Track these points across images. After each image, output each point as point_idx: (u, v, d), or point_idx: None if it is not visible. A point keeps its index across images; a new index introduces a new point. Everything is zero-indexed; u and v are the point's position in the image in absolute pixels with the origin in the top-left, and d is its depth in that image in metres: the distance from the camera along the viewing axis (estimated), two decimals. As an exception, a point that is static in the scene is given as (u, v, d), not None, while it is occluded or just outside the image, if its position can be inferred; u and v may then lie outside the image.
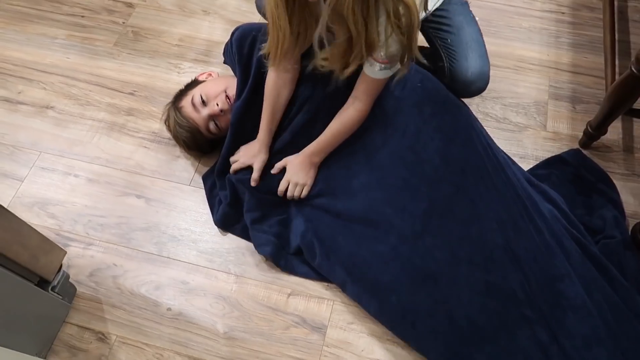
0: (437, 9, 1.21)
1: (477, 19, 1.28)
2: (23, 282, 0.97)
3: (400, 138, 1.18)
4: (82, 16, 1.66)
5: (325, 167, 1.21)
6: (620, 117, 1.34)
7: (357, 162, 1.20)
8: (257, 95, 1.21)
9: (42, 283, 1.04)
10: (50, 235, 1.20)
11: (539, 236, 1.12)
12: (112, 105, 1.47)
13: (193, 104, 1.26)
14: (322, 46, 1.03)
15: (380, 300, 1.11)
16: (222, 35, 1.59)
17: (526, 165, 1.32)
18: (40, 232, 1.03)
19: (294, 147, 1.22)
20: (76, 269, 1.21)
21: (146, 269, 1.21)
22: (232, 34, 1.29)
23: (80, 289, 1.18)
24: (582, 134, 1.35)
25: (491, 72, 1.25)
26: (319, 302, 1.16)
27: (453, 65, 1.22)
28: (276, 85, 1.18)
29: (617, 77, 1.24)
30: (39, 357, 1.08)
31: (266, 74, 1.18)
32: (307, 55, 1.15)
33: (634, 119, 1.40)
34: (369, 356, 1.10)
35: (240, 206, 1.25)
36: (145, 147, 1.39)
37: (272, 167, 1.23)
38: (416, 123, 1.19)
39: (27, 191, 1.32)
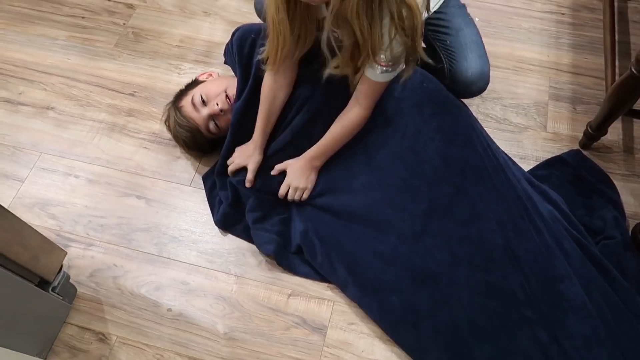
0: (435, 12, 1.22)
1: (476, 19, 1.28)
2: (23, 283, 0.97)
3: (401, 138, 1.18)
4: (83, 17, 1.66)
5: (325, 167, 1.22)
6: (620, 117, 1.34)
7: (357, 162, 1.20)
8: (258, 95, 1.21)
9: (43, 283, 1.04)
10: (51, 236, 1.21)
11: (539, 237, 1.12)
12: (113, 106, 1.47)
13: (193, 104, 1.26)
14: (331, 51, 1.03)
15: (381, 300, 1.11)
16: (222, 36, 1.59)
17: (526, 166, 1.32)
18: (41, 232, 1.03)
19: (294, 147, 1.22)
20: (76, 270, 1.21)
21: (146, 270, 1.21)
22: (233, 34, 1.29)
23: (80, 290, 1.18)
24: (582, 134, 1.35)
25: (491, 73, 1.25)
26: (319, 302, 1.16)
27: (453, 66, 1.22)
28: (273, 88, 1.18)
29: (617, 78, 1.24)
30: (40, 357, 1.08)
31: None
32: (309, 58, 1.15)
33: (634, 120, 1.40)
34: (369, 357, 1.10)
35: (241, 207, 1.25)
36: (145, 147, 1.39)
37: (272, 167, 1.23)
38: (416, 124, 1.19)
39: (27, 192, 1.33)
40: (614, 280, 1.10)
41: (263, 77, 1.19)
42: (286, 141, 1.22)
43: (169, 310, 1.16)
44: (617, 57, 1.39)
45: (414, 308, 1.09)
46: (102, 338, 1.13)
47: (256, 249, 1.22)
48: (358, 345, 1.11)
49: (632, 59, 1.10)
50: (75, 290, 1.17)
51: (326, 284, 1.18)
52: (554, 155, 1.34)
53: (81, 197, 1.31)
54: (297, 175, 1.19)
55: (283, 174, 1.22)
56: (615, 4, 1.50)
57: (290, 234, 1.21)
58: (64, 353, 1.11)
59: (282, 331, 1.13)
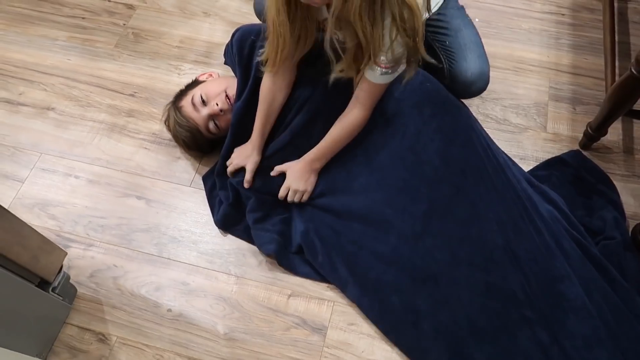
0: (434, 13, 1.22)
1: (476, 20, 1.28)
2: (23, 283, 0.97)
3: (401, 139, 1.18)
4: (83, 18, 1.67)
5: (325, 168, 1.22)
6: (620, 118, 1.34)
7: (357, 163, 1.20)
8: (258, 96, 1.21)
9: (43, 284, 1.04)
10: (51, 237, 1.20)
11: (539, 237, 1.12)
12: (113, 107, 1.47)
13: (193, 104, 1.26)
14: (335, 53, 1.03)
15: (381, 300, 1.11)
16: (222, 37, 1.59)
17: (526, 167, 1.32)
18: (41, 233, 1.03)
19: (293, 147, 1.22)
20: (77, 270, 1.21)
21: (146, 270, 1.21)
22: (233, 35, 1.29)
23: (80, 290, 1.18)
24: (582, 135, 1.35)
25: (491, 74, 1.25)
26: (319, 303, 1.16)
27: (452, 66, 1.23)
28: (271, 89, 1.18)
29: (617, 78, 1.24)
30: (40, 358, 1.08)
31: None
32: (309, 59, 1.15)
33: (634, 120, 1.40)
34: (369, 357, 1.10)
35: (242, 208, 1.25)
36: (145, 148, 1.39)
37: (272, 168, 1.23)
38: (416, 124, 1.19)
39: (27, 192, 1.33)
40: (613, 280, 1.10)
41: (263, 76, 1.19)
42: (285, 141, 1.22)
43: (169, 310, 1.16)
44: (617, 58, 1.39)
45: (414, 308, 1.09)
46: (102, 338, 1.13)
47: (256, 249, 1.22)
48: (358, 345, 1.11)
49: (632, 60, 1.10)
50: (75, 290, 1.17)
51: (326, 285, 1.18)
52: (553, 155, 1.34)
53: (81, 198, 1.32)
54: (297, 178, 1.19)
55: (283, 174, 1.22)
56: (615, 4, 1.51)
57: (291, 233, 1.21)
58: (64, 353, 1.11)
59: (282, 332, 1.13)
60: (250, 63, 1.23)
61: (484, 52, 1.24)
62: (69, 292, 1.14)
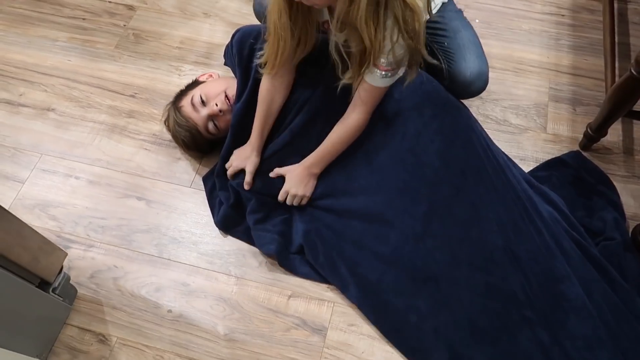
0: (432, 16, 1.22)
1: (476, 21, 1.29)
2: (24, 284, 0.97)
3: (401, 140, 1.18)
4: (83, 19, 1.67)
5: (325, 169, 1.21)
6: (620, 119, 1.34)
7: (357, 164, 1.20)
8: (257, 97, 1.21)
9: (43, 285, 1.04)
10: (51, 237, 1.20)
11: (539, 237, 1.12)
12: (113, 108, 1.47)
13: (192, 104, 1.26)
14: (340, 57, 1.03)
15: (382, 301, 1.11)
16: (222, 37, 1.59)
17: (526, 167, 1.32)
18: (41, 234, 1.03)
19: (293, 147, 1.22)
20: (77, 271, 1.21)
21: (147, 271, 1.21)
22: (233, 36, 1.29)
23: (81, 291, 1.18)
24: (582, 136, 1.35)
25: (491, 75, 1.25)
26: (319, 304, 1.16)
27: (451, 66, 1.23)
28: (270, 90, 1.18)
29: (617, 79, 1.24)
30: (40, 358, 1.08)
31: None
32: (309, 60, 1.15)
33: (634, 121, 1.40)
34: (369, 358, 1.10)
35: (242, 209, 1.25)
36: (146, 149, 1.39)
37: (272, 169, 1.23)
38: (416, 125, 1.19)
39: (28, 193, 1.33)
40: (613, 281, 1.10)
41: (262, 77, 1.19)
42: (285, 142, 1.22)
43: (169, 311, 1.16)
44: (617, 59, 1.39)
45: (415, 309, 1.10)
46: (103, 339, 1.13)
47: (256, 250, 1.22)
48: (358, 346, 1.11)
49: (632, 60, 1.10)
50: (76, 291, 1.18)
51: (326, 285, 1.18)
52: (553, 156, 1.34)
53: (82, 199, 1.32)
54: (296, 183, 1.19)
55: (283, 176, 1.22)
56: (615, 5, 1.51)
57: (291, 234, 1.21)
58: (64, 354, 1.11)
59: (282, 332, 1.13)
60: (250, 64, 1.23)
61: (483, 52, 1.24)
62: (69, 292, 1.14)
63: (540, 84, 1.49)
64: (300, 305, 1.16)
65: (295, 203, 1.21)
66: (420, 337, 1.08)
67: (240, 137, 1.26)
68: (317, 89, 1.20)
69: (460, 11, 1.28)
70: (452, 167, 1.17)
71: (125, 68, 1.55)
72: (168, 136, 1.37)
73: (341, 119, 1.16)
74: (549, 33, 1.59)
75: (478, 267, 1.10)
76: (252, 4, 1.42)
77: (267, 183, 1.23)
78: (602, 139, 1.33)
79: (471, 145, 1.20)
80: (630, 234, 1.19)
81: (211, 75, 1.37)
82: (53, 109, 1.47)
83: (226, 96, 1.26)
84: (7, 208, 0.92)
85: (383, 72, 1.03)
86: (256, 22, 1.39)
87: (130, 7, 1.69)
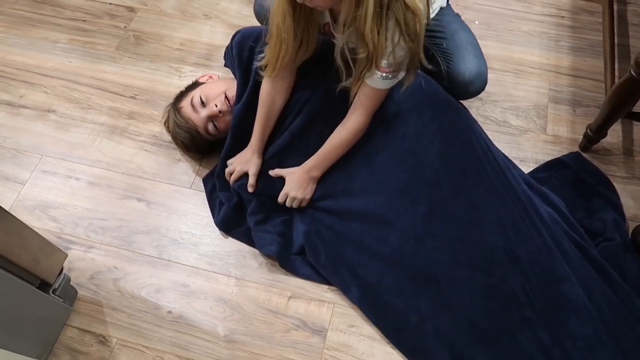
0: (430, 19, 1.23)
1: (476, 22, 1.29)
2: (24, 285, 0.97)
3: (400, 141, 1.19)
4: (84, 20, 1.67)
5: (326, 171, 1.21)
6: (620, 120, 1.34)
7: (357, 165, 1.20)
8: (257, 98, 1.22)
9: (43, 286, 1.04)
10: (52, 238, 1.21)
11: (539, 238, 1.12)
12: (114, 109, 1.47)
13: (192, 105, 1.26)
14: (346, 64, 1.03)
15: (383, 302, 1.12)
16: (223, 39, 1.59)
17: (526, 169, 1.32)
18: (42, 235, 1.03)
19: (293, 149, 1.22)
20: (77, 272, 1.21)
21: (147, 272, 1.21)
22: (233, 37, 1.30)
23: (81, 292, 1.19)
24: (582, 137, 1.35)
25: (491, 76, 1.25)
26: (319, 304, 1.16)
27: (450, 67, 1.23)
28: (271, 93, 1.18)
29: (616, 80, 1.24)
30: (40, 360, 1.08)
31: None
32: (309, 62, 1.15)
33: (634, 122, 1.40)
34: (369, 359, 1.10)
35: (243, 211, 1.25)
36: (146, 150, 1.40)
37: (272, 170, 1.23)
38: (416, 126, 1.19)
39: (28, 194, 1.33)
40: (613, 282, 1.10)
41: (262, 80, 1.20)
42: (285, 143, 1.23)
43: (169, 312, 1.16)
44: (616, 60, 1.39)
45: (416, 310, 1.10)
46: (103, 340, 1.13)
47: (256, 251, 1.22)
48: (358, 347, 1.11)
49: (632, 62, 1.10)
50: (76, 292, 1.18)
51: (326, 286, 1.18)
52: (553, 157, 1.34)
53: (82, 200, 1.32)
54: (296, 186, 1.20)
55: (283, 178, 1.22)
56: (615, 6, 1.51)
57: (292, 235, 1.22)
58: (64, 355, 1.11)
59: (282, 333, 1.13)
60: (250, 66, 1.24)
61: (481, 53, 1.24)
62: (69, 294, 1.14)
63: (540, 86, 1.49)
64: (300, 307, 1.16)
65: (294, 206, 1.21)
66: (421, 337, 1.08)
67: (240, 138, 1.26)
68: (317, 90, 1.20)
69: (457, 15, 1.29)
70: (452, 168, 1.17)
71: (125, 69, 1.55)
72: (168, 137, 1.37)
73: (342, 122, 1.16)
74: (549, 34, 1.59)
75: (478, 267, 1.10)
76: (252, 5, 1.43)
77: (267, 184, 1.23)
78: (602, 140, 1.33)
79: (471, 146, 1.20)
80: (630, 235, 1.19)
81: (211, 77, 1.38)
82: (53, 111, 1.47)
83: (226, 97, 1.26)
84: (7, 209, 0.92)
85: (384, 74, 1.03)
86: (256, 23, 1.40)
87: (131, 9, 1.69)
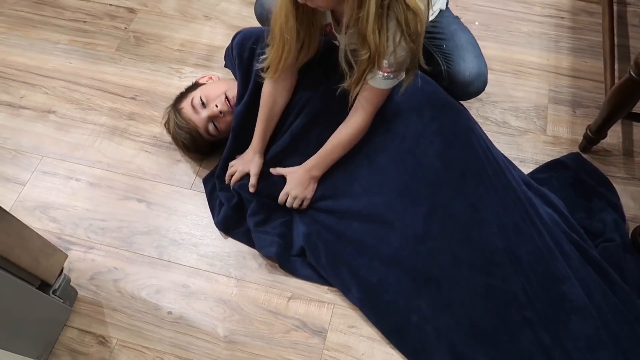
0: (431, 21, 1.23)
1: (476, 23, 1.29)
2: (24, 285, 0.97)
3: (401, 142, 1.19)
4: (84, 21, 1.67)
5: (326, 171, 1.21)
6: (619, 121, 1.34)
7: (358, 165, 1.20)
8: (258, 98, 1.22)
9: (44, 286, 1.04)
10: (52, 239, 1.21)
11: (540, 239, 1.12)
12: (114, 110, 1.48)
13: (193, 106, 1.27)
14: (348, 63, 1.03)
15: (383, 303, 1.12)
16: (223, 40, 1.60)
17: (526, 169, 1.33)
18: (42, 235, 1.03)
19: (293, 149, 1.22)
20: (77, 273, 1.21)
21: (147, 273, 1.21)
22: (233, 38, 1.30)
23: (81, 293, 1.19)
24: (582, 137, 1.35)
25: (491, 77, 1.26)
26: (319, 305, 1.16)
27: (450, 67, 1.23)
28: (272, 94, 1.18)
29: (616, 81, 1.24)
30: (40, 360, 1.08)
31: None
32: (310, 63, 1.15)
33: (634, 123, 1.40)
34: (369, 360, 1.10)
35: (243, 211, 1.25)
36: (146, 151, 1.40)
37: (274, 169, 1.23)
38: (416, 127, 1.19)
39: (28, 195, 1.33)
40: (613, 283, 1.10)
41: (263, 81, 1.20)
42: (285, 144, 1.23)
43: (169, 313, 1.16)
44: (616, 61, 1.39)
45: (417, 310, 1.10)
46: (103, 341, 1.13)
47: (256, 252, 1.22)
48: (358, 348, 1.11)
49: (631, 62, 1.10)
50: (76, 293, 1.18)
51: (326, 287, 1.18)
52: (553, 158, 1.34)
53: (82, 200, 1.32)
54: (296, 185, 1.20)
55: (283, 178, 1.22)
56: (615, 7, 1.51)
57: (292, 236, 1.22)
58: (64, 356, 1.11)
59: (282, 334, 1.13)
60: (251, 66, 1.24)
61: (481, 53, 1.25)
62: (69, 294, 1.14)
63: (539, 86, 1.49)
64: (300, 307, 1.16)
65: (295, 205, 1.21)
66: (422, 338, 1.08)
67: (241, 138, 1.26)
68: (317, 91, 1.20)
69: (457, 17, 1.30)
70: (452, 169, 1.17)
71: (125, 70, 1.55)
72: (168, 138, 1.38)
73: (344, 122, 1.16)
74: (549, 35, 1.60)
75: (479, 268, 1.10)
76: (252, 6, 1.43)
77: (267, 184, 1.23)
78: (602, 141, 1.33)
79: (471, 146, 1.20)
80: (630, 236, 1.19)
81: (211, 78, 1.38)
82: (54, 112, 1.48)
83: (226, 97, 1.26)
84: (8, 210, 0.92)
85: (385, 74, 1.03)
86: (257, 24, 1.40)
87: (131, 10, 1.69)
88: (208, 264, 1.22)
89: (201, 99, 1.26)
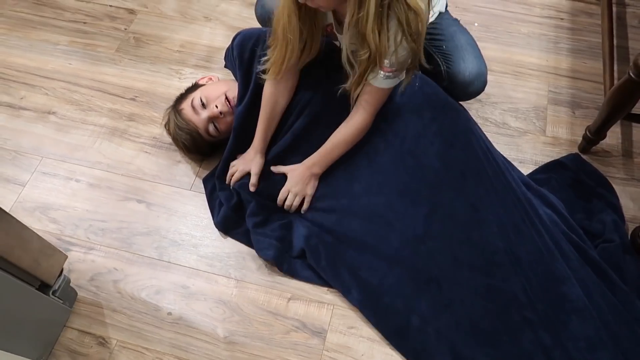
0: (430, 23, 1.23)
1: (475, 24, 1.30)
2: (24, 286, 0.97)
3: (401, 142, 1.19)
4: (84, 22, 1.68)
5: (326, 171, 1.22)
6: (619, 121, 1.34)
7: (358, 166, 1.20)
8: (259, 99, 1.22)
9: (43, 287, 1.04)
10: (52, 240, 1.21)
11: (540, 239, 1.12)
12: (114, 111, 1.48)
13: (193, 107, 1.27)
14: (350, 64, 1.04)
15: (384, 304, 1.12)
16: (223, 41, 1.60)
17: (525, 170, 1.33)
18: (42, 236, 1.03)
19: (294, 150, 1.23)
20: (77, 273, 1.21)
21: (147, 274, 1.21)
22: (234, 39, 1.30)
23: (81, 293, 1.19)
24: (581, 138, 1.35)
25: (490, 78, 1.26)
26: (319, 306, 1.16)
27: (450, 67, 1.24)
28: (274, 94, 1.19)
29: (615, 82, 1.24)
30: (40, 361, 1.08)
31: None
32: (312, 64, 1.16)
33: (633, 124, 1.41)
34: (369, 360, 1.10)
35: (242, 211, 1.25)
36: (146, 152, 1.40)
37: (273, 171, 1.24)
38: (416, 127, 1.19)
39: (28, 196, 1.33)
40: (613, 283, 1.10)
41: (264, 81, 1.20)
42: (287, 144, 1.23)
43: (169, 314, 1.16)
44: (615, 62, 1.40)
45: (417, 311, 1.10)
46: (102, 342, 1.13)
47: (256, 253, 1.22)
48: (358, 349, 1.11)
49: (631, 64, 1.10)
50: (76, 294, 1.18)
51: (326, 288, 1.18)
52: (553, 159, 1.35)
53: (82, 201, 1.32)
54: (297, 181, 1.20)
55: (284, 177, 1.23)
56: (614, 8, 1.51)
57: (292, 238, 1.21)
58: (64, 357, 1.11)
59: (282, 335, 1.13)
60: (251, 67, 1.24)
61: (481, 54, 1.25)
62: (69, 295, 1.14)
63: (539, 87, 1.49)
64: (300, 308, 1.16)
65: (296, 203, 1.21)
66: (422, 338, 1.08)
67: (242, 139, 1.26)
68: (319, 91, 1.20)
69: (456, 20, 1.31)
70: (452, 169, 1.17)
71: (125, 71, 1.55)
72: (168, 139, 1.38)
73: (344, 121, 1.16)
74: (548, 36, 1.60)
75: (479, 268, 1.10)
76: (252, 7, 1.43)
77: (267, 185, 1.23)
78: (601, 142, 1.33)
79: (471, 147, 1.20)
80: (629, 237, 1.19)
81: (211, 78, 1.38)
82: (54, 112, 1.48)
83: (226, 98, 1.26)
84: (7, 211, 0.92)
85: (386, 74, 1.04)
86: (257, 25, 1.40)
87: (131, 11, 1.70)
88: (208, 265, 1.22)
89: (201, 100, 1.26)
